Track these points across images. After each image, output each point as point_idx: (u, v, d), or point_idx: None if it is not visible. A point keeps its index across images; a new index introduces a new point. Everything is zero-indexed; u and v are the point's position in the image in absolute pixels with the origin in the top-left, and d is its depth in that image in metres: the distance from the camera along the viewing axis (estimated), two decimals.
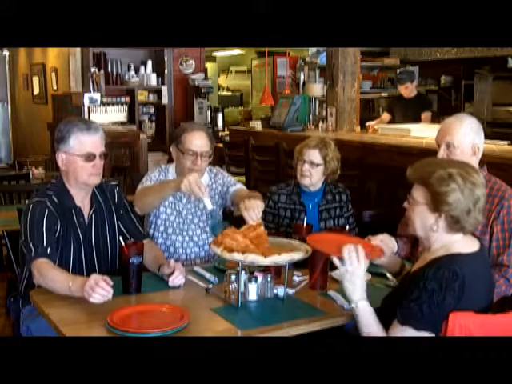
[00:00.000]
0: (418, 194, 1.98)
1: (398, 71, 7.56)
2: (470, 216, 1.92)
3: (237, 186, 3.13)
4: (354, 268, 2.02)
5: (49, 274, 2.27)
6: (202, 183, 2.65)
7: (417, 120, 6.07)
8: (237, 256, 2.15)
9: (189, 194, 2.68)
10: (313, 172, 3.18)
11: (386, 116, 6.66)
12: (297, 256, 2.18)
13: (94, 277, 2.11)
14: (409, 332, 1.88)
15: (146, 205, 2.90)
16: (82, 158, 2.47)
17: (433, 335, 1.87)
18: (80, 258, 2.54)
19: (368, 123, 6.21)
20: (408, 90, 6.30)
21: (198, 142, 2.93)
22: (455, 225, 1.94)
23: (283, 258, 2.15)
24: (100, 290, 2.07)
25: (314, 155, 3.18)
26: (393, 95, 8.43)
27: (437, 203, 1.93)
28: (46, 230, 2.38)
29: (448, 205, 1.91)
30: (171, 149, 3.06)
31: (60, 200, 2.49)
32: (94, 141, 2.50)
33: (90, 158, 2.48)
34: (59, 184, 2.55)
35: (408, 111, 6.28)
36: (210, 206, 2.66)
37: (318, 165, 3.18)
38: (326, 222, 3.23)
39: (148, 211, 3.02)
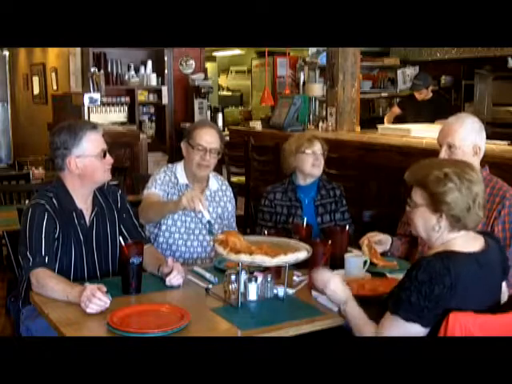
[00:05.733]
0: (417, 196, 1.99)
1: (415, 74, 7.36)
2: (471, 213, 1.93)
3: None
4: (329, 291, 2.11)
5: (47, 284, 2.28)
6: (202, 197, 2.71)
7: (429, 122, 5.77)
8: (244, 257, 2.15)
9: (190, 208, 2.72)
10: (322, 162, 3.31)
11: (395, 109, 6.59)
12: (302, 255, 2.21)
13: (90, 287, 2.13)
14: (399, 323, 1.88)
15: (148, 220, 3.05)
16: (97, 157, 2.49)
17: (422, 329, 1.87)
18: (81, 261, 2.54)
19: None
20: (423, 94, 6.21)
21: (207, 137, 3.05)
22: (457, 223, 1.94)
23: (289, 258, 2.17)
24: (97, 300, 2.10)
25: (317, 146, 3.31)
26: (392, 95, 8.44)
27: (436, 204, 1.94)
28: (45, 237, 2.39)
29: (447, 204, 1.92)
30: (182, 145, 3.15)
31: (60, 202, 2.49)
32: (101, 137, 2.54)
33: (103, 155, 2.52)
34: (59, 186, 2.53)
35: (420, 112, 6.14)
36: (207, 217, 2.75)
37: (321, 154, 3.32)
38: (322, 217, 3.32)
39: (151, 224, 3.12)
